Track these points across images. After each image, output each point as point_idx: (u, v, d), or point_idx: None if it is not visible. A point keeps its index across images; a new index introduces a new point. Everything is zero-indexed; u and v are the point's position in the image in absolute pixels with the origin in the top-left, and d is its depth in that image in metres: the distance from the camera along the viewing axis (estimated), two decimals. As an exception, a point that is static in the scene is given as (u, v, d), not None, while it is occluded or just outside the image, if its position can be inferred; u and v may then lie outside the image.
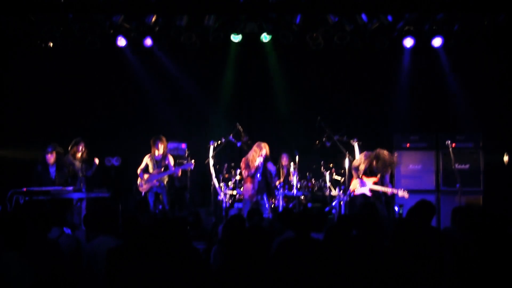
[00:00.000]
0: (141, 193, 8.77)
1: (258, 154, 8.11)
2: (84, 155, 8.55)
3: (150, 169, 8.74)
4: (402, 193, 7.89)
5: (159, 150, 8.68)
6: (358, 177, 8.11)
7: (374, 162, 7.96)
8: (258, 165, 8.07)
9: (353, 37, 9.52)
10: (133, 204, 8.73)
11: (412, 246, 4.39)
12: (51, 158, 8.28)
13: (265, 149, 8.13)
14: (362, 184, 8.05)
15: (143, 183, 8.73)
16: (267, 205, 8.13)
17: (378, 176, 8.00)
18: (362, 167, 8.06)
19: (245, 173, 8.19)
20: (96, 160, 8.69)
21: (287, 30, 9.52)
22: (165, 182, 8.77)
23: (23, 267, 3.69)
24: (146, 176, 8.70)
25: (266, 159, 8.14)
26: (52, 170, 8.35)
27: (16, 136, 9.68)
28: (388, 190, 7.95)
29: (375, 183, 7.97)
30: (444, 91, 10.08)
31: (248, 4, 8.39)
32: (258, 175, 8.15)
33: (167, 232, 3.78)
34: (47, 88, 9.97)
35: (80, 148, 8.56)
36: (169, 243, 3.74)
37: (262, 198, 8.15)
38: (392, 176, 9.13)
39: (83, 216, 5.85)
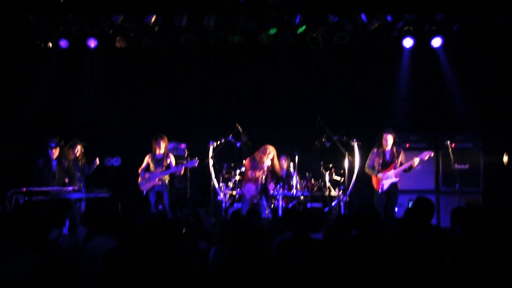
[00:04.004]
0: (142, 192, 8.80)
1: (266, 156, 8.18)
2: (80, 157, 8.55)
3: (152, 168, 8.77)
4: (425, 155, 8.16)
5: (161, 148, 8.72)
6: (377, 174, 8.22)
7: (385, 146, 8.21)
8: (265, 168, 8.14)
9: (353, 37, 9.52)
10: (132, 204, 8.76)
11: (413, 245, 4.39)
12: (55, 153, 8.45)
13: (273, 152, 8.22)
14: (386, 177, 8.16)
15: (144, 182, 8.75)
16: (265, 205, 8.17)
17: (394, 162, 8.18)
18: (377, 161, 8.18)
19: (250, 173, 8.25)
20: (97, 160, 8.71)
21: (287, 30, 9.52)
22: (166, 181, 8.80)
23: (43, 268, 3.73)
24: (147, 175, 8.73)
25: (273, 163, 8.23)
26: (54, 163, 8.46)
27: (16, 136, 9.68)
28: (411, 163, 8.15)
29: (395, 168, 8.17)
30: (443, 91, 10.08)
31: (248, 4, 8.38)
32: (263, 177, 8.22)
33: (164, 233, 3.78)
34: (47, 88, 9.97)
35: (76, 150, 8.57)
36: (166, 243, 3.74)
37: (262, 199, 8.20)
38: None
39: (81, 216, 5.87)
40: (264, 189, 8.26)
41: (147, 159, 8.80)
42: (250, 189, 8.23)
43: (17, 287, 3.64)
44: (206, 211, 9.05)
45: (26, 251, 3.79)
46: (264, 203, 8.20)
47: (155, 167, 8.72)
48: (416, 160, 8.14)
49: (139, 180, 8.80)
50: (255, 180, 8.21)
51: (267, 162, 8.16)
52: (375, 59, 9.99)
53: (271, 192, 8.42)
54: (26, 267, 3.70)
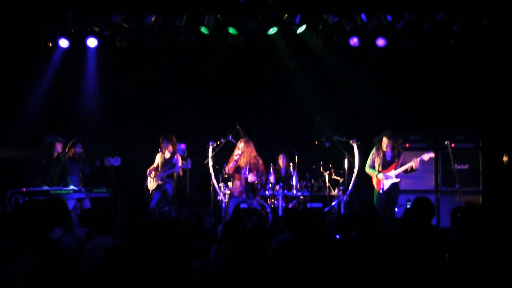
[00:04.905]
0: (149, 191, 8.93)
1: (236, 149, 8.31)
2: (82, 156, 8.55)
3: (159, 168, 8.87)
4: (426, 156, 8.20)
5: (169, 148, 8.80)
6: (377, 174, 8.28)
7: (386, 146, 8.31)
8: (236, 159, 8.25)
9: (352, 37, 9.51)
10: (132, 204, 8.81)
11: (413, 245, 4.40)
12: (60, 146, 8.35)
13: (242, 143, 8.28)
14: (387, 177, 8.23)
15: (151, 181, 8.84)
16: (255, 204, 8.18)
17: (395, 163, 8.26)
18: (378, 161, 8.21)
19: (232, 171, 8.36)
20: (98, 162, 8.75)
21: (287, 30, 9.52)
22: (173, 179, 8.89)
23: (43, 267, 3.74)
24: (153, 174, 8.80)
25: (244, 154, 8.24)
26: (53, 161, 8.40)
27: (16, 136, 9.68)
28: (412, 164, 8.20)
29: (395, 168, 8.23)
30: (443, 91, 10.07)
31: (248, 4, 8.38)
32: (247, 172, 8.26)
33: (164, 232, 3.78)
34: (47, 88, 9.97)
35: (77, 149, 8.58)
36: (166, 243, 3.74)
37: (249, 197, 8.21)
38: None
39: (79, 215, 5.88)
40: (250, 187, 8.31)
41: (158, 158, 8.90)
42: (236, 186, 8.36)
43: (18, 287, 3.64)
44: (206, 211, 9.06)
45: (26, 251, 3.80)
46: (253, 200, 8.22)
47: (162, 167, 8.83)
48: (417, 161, 8.17)
49: (147, 180, 8.89)
50: (238, 176, 8.32)
51: (236, 154, 8.29)
52: (374, 59, 9.98)
53: (250, 180, 8.33)
54: (26, 267, 3.71)
